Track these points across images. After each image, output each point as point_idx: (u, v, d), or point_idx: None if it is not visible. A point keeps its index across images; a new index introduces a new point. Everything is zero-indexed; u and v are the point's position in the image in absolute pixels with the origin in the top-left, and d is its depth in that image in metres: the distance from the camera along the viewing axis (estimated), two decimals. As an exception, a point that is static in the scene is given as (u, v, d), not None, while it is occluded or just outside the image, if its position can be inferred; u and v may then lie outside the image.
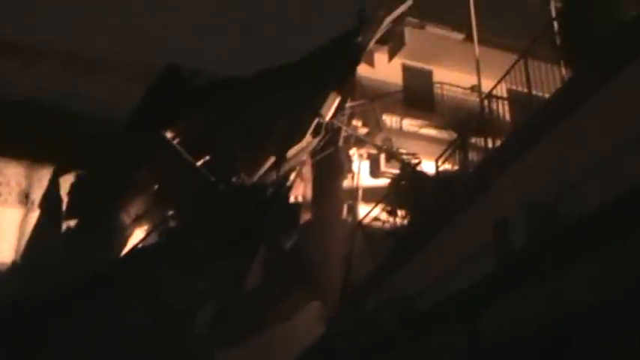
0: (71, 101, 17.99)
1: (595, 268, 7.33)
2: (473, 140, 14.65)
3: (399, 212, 16.25)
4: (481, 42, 16.21)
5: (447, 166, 15.27)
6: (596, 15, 10.26)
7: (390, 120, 20.04)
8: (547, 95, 11.57)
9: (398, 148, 19.00)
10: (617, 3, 10.24)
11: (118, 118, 17.52)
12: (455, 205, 13.18)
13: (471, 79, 18.47)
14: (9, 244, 16.81)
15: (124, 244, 16.79)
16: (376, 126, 19.59)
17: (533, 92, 12.20)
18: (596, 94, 9.29)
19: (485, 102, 14.20)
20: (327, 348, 15.32)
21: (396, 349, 11.12)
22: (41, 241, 16.71)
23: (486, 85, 14.68)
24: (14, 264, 16.61)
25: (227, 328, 16.06)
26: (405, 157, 18.47)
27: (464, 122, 15.83)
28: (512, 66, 12.74)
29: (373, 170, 19.27)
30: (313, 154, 18.23)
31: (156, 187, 17.30)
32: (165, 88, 17.68)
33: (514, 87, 13.01)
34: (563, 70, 11.57)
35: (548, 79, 11.83)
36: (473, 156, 14.51)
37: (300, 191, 18.13)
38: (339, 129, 18.66)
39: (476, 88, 17.00)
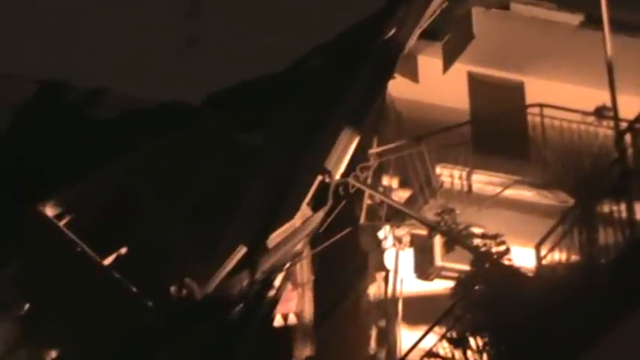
0: None
1: None
2: (605, 209, 14.75)
3: (473, 341, 16.23)
4: (615, 28, 17.02)
5: (558, 257, 15.46)
6: None
7: (450, 174, 19.90)
8: None
9: (466, 226, 18.71)
10: None
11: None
12: (579, 326, 13.34)
13: (596, 97, 19.05)
14: None
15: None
16: (426, 186, 19.33)
17: None
18: None
19: (627, 137, 14.63)
20: None
21: None
22: None
23: (627, 107, 15.55)
24: None
25: None
26: (479, 240, 17.94)
27: (586, 176, 15.97)
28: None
29: (422, 265, 19.36)
30: (314, 240, 18.14)
31: (26, 306, 17.25)
32: (41, 122, 17.99)
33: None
34: None
35: None
36: (606, 237, 14.59)
37: (293, 306, 18.05)
38: (358, 193, 18.57)
39: (607, 113, 17.77)
